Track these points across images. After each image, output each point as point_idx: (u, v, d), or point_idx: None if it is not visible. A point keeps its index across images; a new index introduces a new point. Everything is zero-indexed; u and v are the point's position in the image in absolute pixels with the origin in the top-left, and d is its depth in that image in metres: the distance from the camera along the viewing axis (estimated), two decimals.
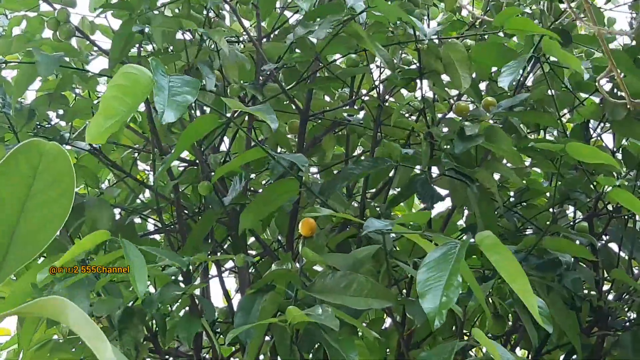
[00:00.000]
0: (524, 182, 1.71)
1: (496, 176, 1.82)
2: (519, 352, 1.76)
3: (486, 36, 1.75)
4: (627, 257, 1.64)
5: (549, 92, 1.67)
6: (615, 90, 1.68)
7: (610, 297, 1.66)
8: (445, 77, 1.69)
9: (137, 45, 1.78)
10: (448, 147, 1.56)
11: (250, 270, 1.73)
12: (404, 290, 1.69)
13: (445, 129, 1.68)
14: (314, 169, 2.03)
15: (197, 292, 1.79)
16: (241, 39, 1.89)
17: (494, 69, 1.78)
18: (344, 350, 1.22)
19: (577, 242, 1.54)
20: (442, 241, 1.10)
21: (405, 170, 1.62)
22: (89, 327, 0.45)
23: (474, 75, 1.71)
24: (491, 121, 1.67)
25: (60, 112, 1.88)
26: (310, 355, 1.46)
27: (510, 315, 1.65)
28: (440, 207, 1.92)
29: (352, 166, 1.58)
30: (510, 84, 1.48)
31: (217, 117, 1.32)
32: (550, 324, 1.07)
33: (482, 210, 1.48)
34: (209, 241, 1.69)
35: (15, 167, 0.49)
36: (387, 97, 1.78)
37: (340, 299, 1.28)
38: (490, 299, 1.50)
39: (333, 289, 1.29)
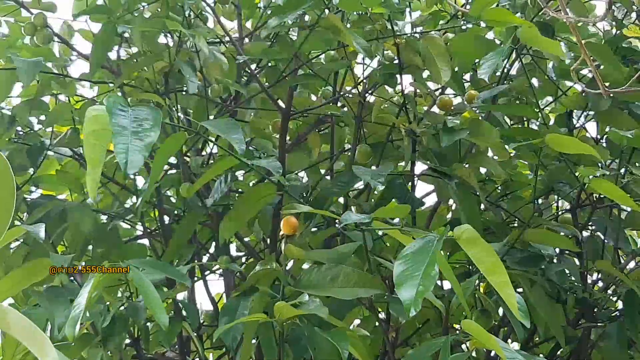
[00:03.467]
0: (509, 174, 1.70)
1: (483, 170, 1.81)
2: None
3: (466, 28, 1.74)
4: (613, 247, 1.62)
5: (531, 83, 1.66)
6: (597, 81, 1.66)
7: (599, 285, 1.65)
8: (427, 72, 1.68)
9: (117, 47, 1.78)
10: (430, 140, 1.55)
11: (236, 273, 1.72)
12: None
13: (427, 123, 1.67)
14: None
15: (185, 295, 1.78)
16: (224, 39, 1.87)
17: (477, 60, 1.76)
18: (336, 341, 1.20)
19: (562, 233, 1.52)
20: (421, 235, 1.08)
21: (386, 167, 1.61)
22: (31, 333, 0.45)
23: (456, 68, 1.70)
24: (476, 111, 1.66)
25: (42, 117, 1.87)
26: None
27: (499, 309, 1.64)
28: (428, 201, 1.91)
29: (330, 186, 1.58)
30: (491, 75, 1.46)
31: (185, 134, 1.31)
32: (528, 319, 1.05)
33: (464, 204, 1.47)
34: (192, 243, 1.68)
35: None
36: (368, 93, 1.76)
37: (327, 291, 1.27)
38: (476, 294, 1.49)
39: (320, 283, 1.28)
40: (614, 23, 1.71)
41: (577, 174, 1.47)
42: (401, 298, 0.94)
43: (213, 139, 1.80)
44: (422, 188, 3.04)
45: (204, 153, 1.86)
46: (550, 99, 1.81)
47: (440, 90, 1.86)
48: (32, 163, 1.72)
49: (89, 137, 1.06)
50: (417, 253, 1.01)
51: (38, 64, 1.65)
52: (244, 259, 1.88)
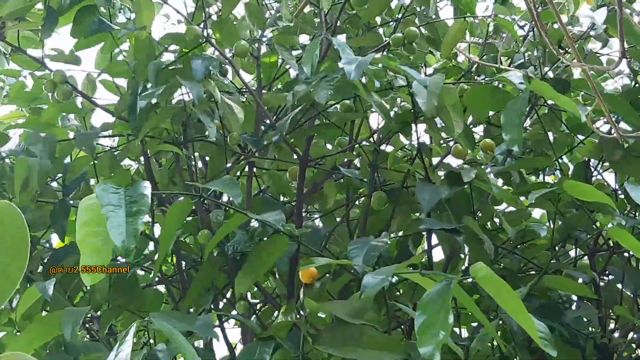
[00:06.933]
0: (523, 224, 1.71)
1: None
2: None
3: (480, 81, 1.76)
4: (630, 294, 1.62)
5: (546, 132, 1.68)
6: (612, 130, 1.68)
7: (617, 334, 1.64)
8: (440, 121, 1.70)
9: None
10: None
11: (252, 319, 1.72)
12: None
13: (442, 172, 1.69)
14: (316, 214, 2.04)
15: (201, 343, 1.78)
16: (242, 90, 1.91)
17: (491, 112, 1.78)
18: None
19: (580, 279, 1.53)
20: (440, 279, 1.09)
21: (403, 216, 1.63)
22: None
23: (469, 119, 1.72)
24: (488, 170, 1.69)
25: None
26: None
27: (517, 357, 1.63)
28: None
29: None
30: (519, 143, 1.44)
31: (189, 202, 1.33)
32: (554, 349, 1.05)
33: (474, 255, 1.49)
34: (210, 290, 1.68)
35: None
36: (384, 143, 1.79)
37: (351, 351, 1.26)
38: (495, 341, 1.48)
39: (343, 342, 1.27)
40: (631, 75, 1.74)
41: (595, 220, 1.48)
42: (421, 352, 0.94)
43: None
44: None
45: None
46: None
47: (454, 140, 1.89)
48: (52, 221, 1.73)
49: (81, 228, 1.00)
50: (435, 300, 1.01)
51: (54, 153, 1.70)
52: (259, 306, 1.88)
